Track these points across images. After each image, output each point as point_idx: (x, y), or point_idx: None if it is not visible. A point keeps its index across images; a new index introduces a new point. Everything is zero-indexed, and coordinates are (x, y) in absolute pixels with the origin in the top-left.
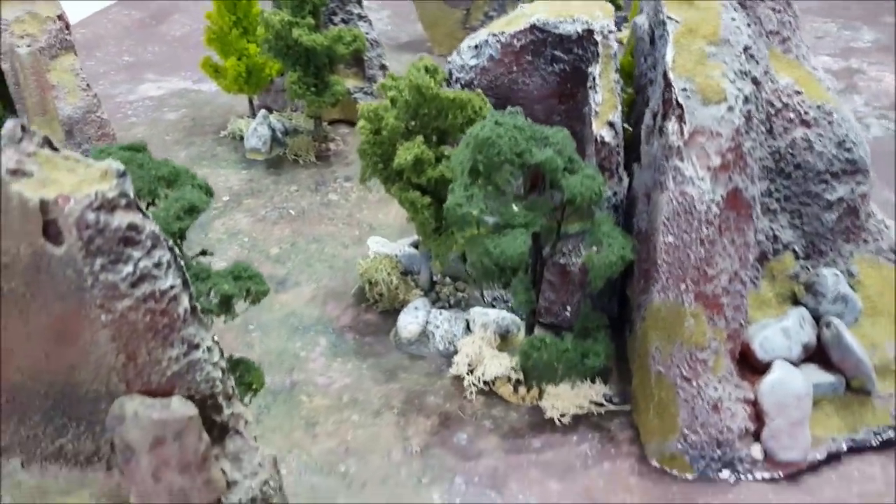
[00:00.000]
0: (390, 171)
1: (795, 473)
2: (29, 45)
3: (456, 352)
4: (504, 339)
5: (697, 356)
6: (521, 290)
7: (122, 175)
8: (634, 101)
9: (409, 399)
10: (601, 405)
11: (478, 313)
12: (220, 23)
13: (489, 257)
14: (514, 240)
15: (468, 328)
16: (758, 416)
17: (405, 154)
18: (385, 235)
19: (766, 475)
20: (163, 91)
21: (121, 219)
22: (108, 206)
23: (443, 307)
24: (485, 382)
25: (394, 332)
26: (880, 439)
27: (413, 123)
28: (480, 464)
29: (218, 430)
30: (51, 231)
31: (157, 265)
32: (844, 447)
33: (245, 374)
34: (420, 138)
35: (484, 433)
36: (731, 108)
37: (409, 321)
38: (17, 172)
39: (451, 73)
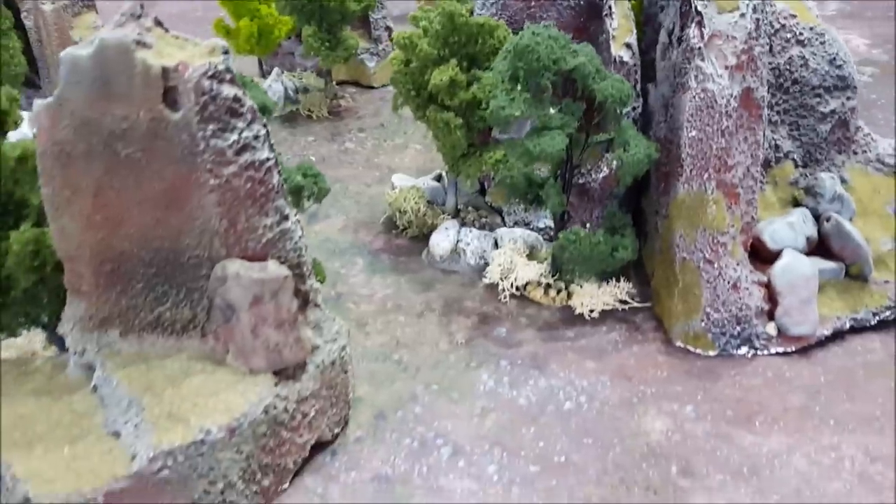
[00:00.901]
0: (422, 98)
1: (806, 348)
2: (53, 2)
3: (487, 265)
4: (531, 254)
5: (719, 240)
6: (554, 193)
7: (226, 52)
8: (644, 31)
9: (447, 303)
10: (626, 302)
11: (505, 231)
12: None
13: (529, 156)
14: (552, 139)
15: (496, 245)
16: (771, 298)
17: (440, 75)
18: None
19: (780, 350)
20: None
21: (228, 90)
22: (219, 76)
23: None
24: (517, 288)
25: (426, 251)
26: (878, 318)
27: (444, 50)
28: (521, 350)
29: (302, 299)
30: (169, 98)
31: (256, 137)
32: (847, 325)
33: None
34: (453, 62)
35: (521, 327)
36: (743, 15)
37: (441, 239)
38: (139, 43)
39: (472, 12)
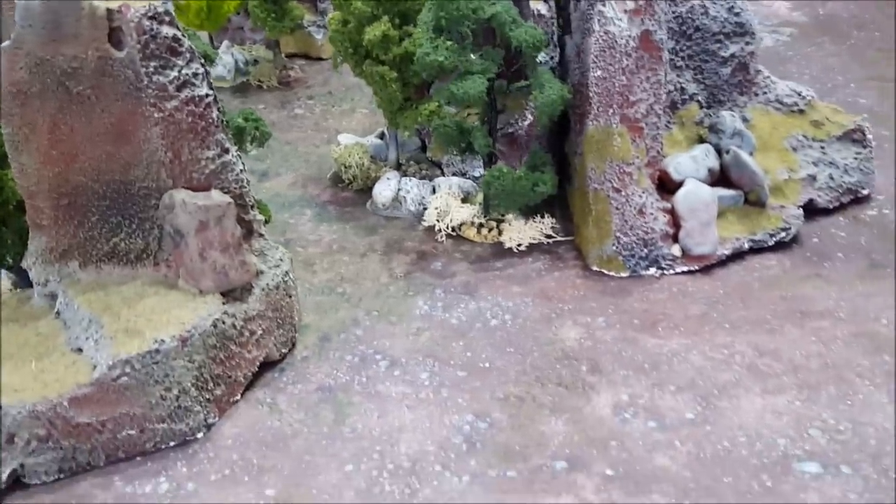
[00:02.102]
0: (359, 55)
1: (707, 266)
2: None
3: (425, 210)
4: (465, 199)
5: (625, 170)
6: (480, 136)
7: None
8: None
9: (389, 244)
10: (550, 236)
11: (442, 180)
12: None
13: (454, 98)
14: (473, 82)
15: (434, 192)
16: (675, 222)
17: (373, 31)
18: None
19: (684, 268)
20: None
21: (167, 30)
22: (158, 17)
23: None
24: (452, 228)
25: (370, 201)
26: (775, 239)
27: (378, 8)
28: (455, 280)
29: (245, 229)
30: (114, 38)
31: (195, 75)
32: (746, 246)
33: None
34: (385, 18)
35: (455, 261)
36: None
37: (383, 189)
38: None
39: None
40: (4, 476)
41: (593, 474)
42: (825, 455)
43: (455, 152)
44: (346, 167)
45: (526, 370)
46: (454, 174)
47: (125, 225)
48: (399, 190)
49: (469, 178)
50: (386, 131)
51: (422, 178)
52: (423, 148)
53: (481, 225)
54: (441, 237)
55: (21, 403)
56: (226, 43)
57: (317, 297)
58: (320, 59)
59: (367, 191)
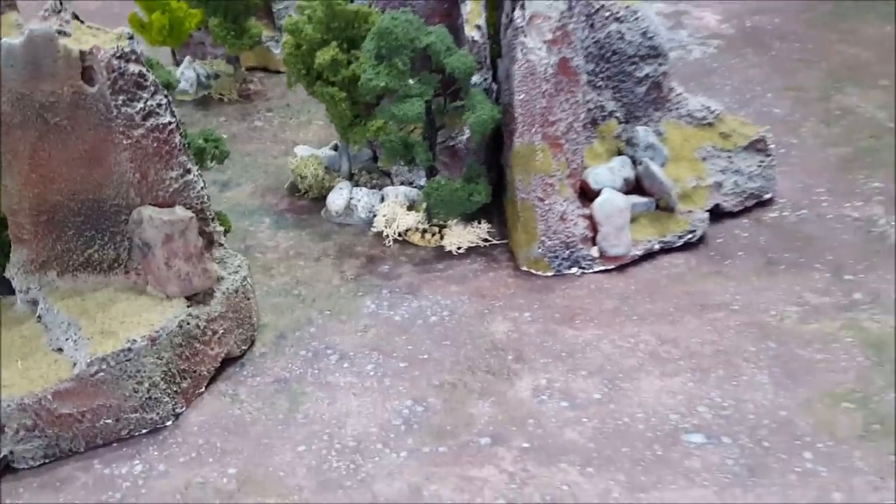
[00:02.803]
0: (311, 76)
1: (622, 266)
2: None
3: (375, 217)
4: (411, 207)
5: (547, 181)
6: (421, 150)
7: (131, 37)
8: (496, 14)
9: (341, 249)
10: (487, 240)
11: (390, 189)
12: None
13: (394, 118)
14: (411, 105)
15: (383, 201)
16: (593, 227)
17: (323, 55)
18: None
19: (602, 268)
20: None
21: (134, 67)
22: (126, 56)
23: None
24: (399, 234)
25: (324, 209)
26: (683, 240)
27: (327, 34)
28: (400, 281)
29: (207, 240)
30: (86, 75)
31: (159, 105)
32: (657, 246)
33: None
34: (334, 44)
35: (401, 264)
36: None
37: (336, 198)
38: (60, 33)
39: (350, 0)
40: None
41: (512, 448)
42: (709, 428)
43: (401, 163)
44: (302, 177)
45: (459, 360)
46: (402, 183)
47: (98, 238)
48: (351, 199)
49: (415, 187)
50: (339, 143)
51: (372, 187)
52: (375, 158)
53: (425, 230)
54: (388, 242)
55: (10, 397)
56: (188, 58)
57: (274, 299)
58: (278, 72)
59: (321, 199)
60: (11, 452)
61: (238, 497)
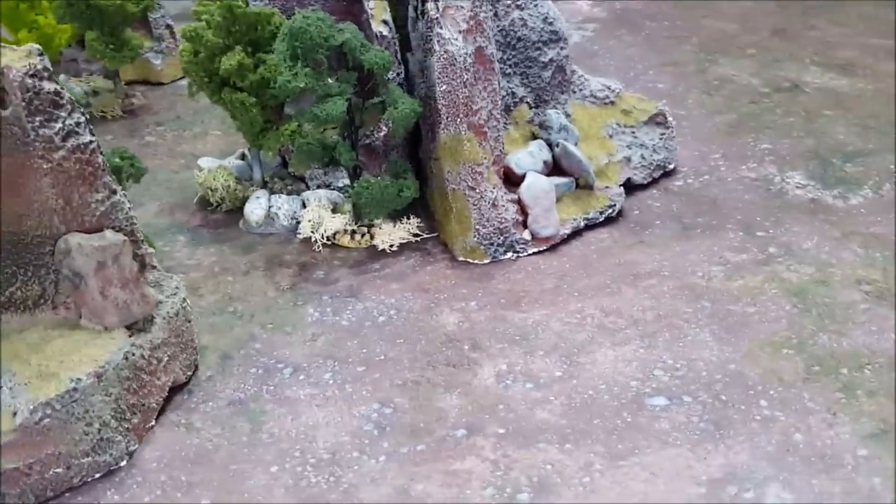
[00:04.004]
0: (214, 83)
1: (553, 245)
2: None
3: (298, 223)
4: (335, 210)
5: (476, 169)
6: (345, 150)
7: (41, 54)
8: (397, 9)
9: (269, 260)
10: (418, 235)
11: (310, 194)
12: None
13: (317, 119)
14: (334, 104)
15: (303, 206)
16: (522, 211)
17: (228, 61)
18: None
19: (535, 250)
20: None
21: (48, 85)
22: (39, 74)
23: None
24: (327, 238)
25: (242, 220)
26: (604, 216)
27: (229, 39)
28: (338, 285)
29: (139, 263)
30: None
31: (78, 124)
32: (582, 224)
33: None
34: (238, 48)
35: (335, 268)
36: None
37: (255, 207)
38: None
39: (248, 2)
40: None
41: (489, 435)
42: (669, 390)
43: (318, 166)
44: (212, 190)
45: (417, 357)
46: (318, 186)
47: (20, 273)
48: (270, 207)
49: (333, 189)
50: (247, 152)
51: (288, 193)
52: (285, 164)
53: (354, 231)
54: (318, 247)
55: None
56: (62, 76)
57: (209, 319)
58: (161, 83)
59: (236, 211)
60: None
61: None
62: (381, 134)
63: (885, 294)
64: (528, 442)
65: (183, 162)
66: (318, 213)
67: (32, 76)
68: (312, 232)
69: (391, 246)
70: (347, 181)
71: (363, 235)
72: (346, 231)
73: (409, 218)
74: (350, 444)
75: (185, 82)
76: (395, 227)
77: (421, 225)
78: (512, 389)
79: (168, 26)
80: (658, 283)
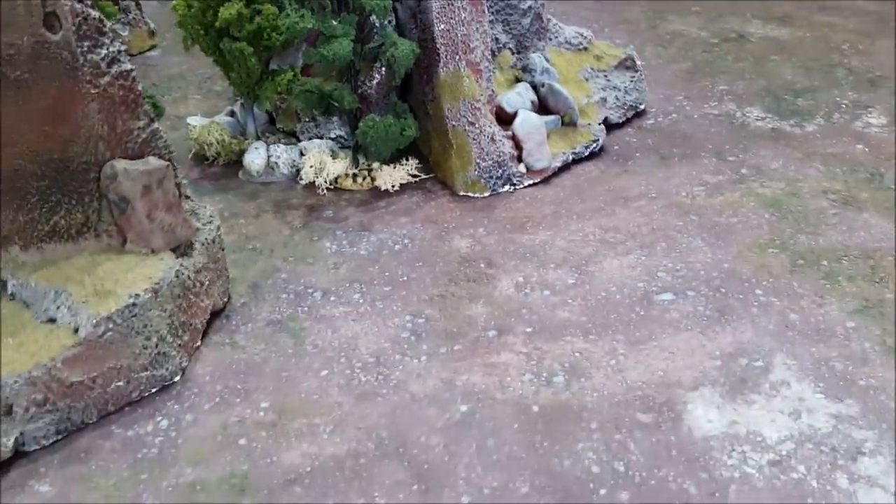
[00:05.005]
0: (210, 36)
1: (546, 178)
2: None
3: (298, 171)
4: (334, 156)
5: (475, 105)
6: (346, 94)
7: None
8: None
9: (276, 204)
10: (416, 175)
11: (307, 142)
12: None
13: (325, 60)
14: (340, 44)
15: (301, 155)
16: (517, 145)
17: (228, 10)
18: None
19: (530, 182)
20: None
21: (93, 12)
22: (85, 1)
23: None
24: (330, 182)
25: (242, 171)
26: (589, 150)
27: None
28: (349, 222)
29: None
30: (48, 22)
31: (119, 52)
32: (570, 158)
33: None
34: None
35: (343, 208)
36: None
37: (254, 158)
38: None
39: None
40: (10, 444)
41: (518, 334)
42: (673, 287)
43: (311, 116)
44: (207, 145)
45: (438, 276)
46: (310, 139)
47: (65, 202)
48: (270, 156)
49: (326, 140)
50: (240, 108)
51: (286, 144)
52: (272, 121)
53: (355, 175)
54: (322, 191)
55: (15, 374)
56: None
57: (230, 256)
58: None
59: (232, 164)
60: (22, 434)
61: (282, 424)
62: (374, 82)
63: (850, 200)
64: (554, 337)
65: (169, 124)
66: (320, 159)
67: (80, 1)
68: (315, 176)
69: (392, 186)
70: (339, 132)
71: (364, 178)
72: (347, 175)
73: (408, 159)
74: (391, 349)
75: (153, 53)
76: (394, 168)
77: (419, 166)
78: (531, 297)
79: None
80: (647, 203)
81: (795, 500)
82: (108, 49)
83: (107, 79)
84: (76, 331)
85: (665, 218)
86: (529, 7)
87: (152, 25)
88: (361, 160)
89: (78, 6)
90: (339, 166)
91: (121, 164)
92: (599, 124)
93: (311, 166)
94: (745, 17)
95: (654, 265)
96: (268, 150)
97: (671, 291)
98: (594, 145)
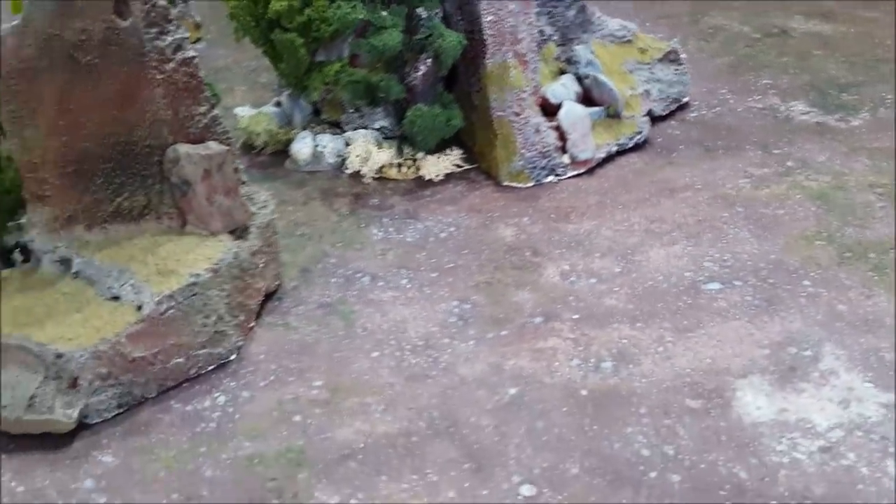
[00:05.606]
0: (261, 27)
1: (590, 168)
2: None
3: (344, 161)
4: (379, 146)
5: (521, 96)
6: (394, 84)
7: None
8: None
9: (323, 192)
10: (460, 165)
11: (353, 133)
12: None
13: (375, 50)
14: (390, 35)
15: (347, 146)
16: (561, 136)
17: (278, 2)
18: None
19: (575, 172)
20: None
21: (161, 0)
22: None
23: None
24: (375, 171)
25: (289, 160)
26: (633, 141)
27: None
28: (395, 210)
29: None
30: (117, 9)
31: (184, 39)
32: (614, 149)
33: None
34: None
35: (388, 196)
36: None
37: (302, 147)
38: None
39: None
40: (75, 416)
41: (565, 320)
42: (721, 277)
43: (356, 107)
44: (255, 134)
45: (483, 263)
46: (355, 129)
47: (129, 184)
48: (316, 146)
49: (371, 130)
50: (286, 99)
51: (332, 134)
52: (316, 113)
53: (400, 164)
54: (367, 180)
55: (81, 348)
56: None
57: (281, 241)
58: None
59: (279, 154)
60: (86, 406)
61: (336, 402)
62: (419, 74)
63: None
64: (601, 323)
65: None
66: (366, 148)
67: None
68: (361, 165)
69: (437, 175)
70: (384, 122)
71: (409, 168)
72: (392, 164)
73: (452, 149)
74: (439, 332)
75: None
76: (438, 158)
77: (463, 156)
78: (577, 284)
79: None
80: (693, 194)
81: (846, 485)
82: (173, 36)
83: (172, 65)
84: (139, 308)
85: (711, 209)
86: (575, 0)
87: (198, 18)
88: (406, 150)
89: None
90: (384, 156)
91: (183, 148)
92: (643, 116)
93: (358, 155)
94: (788, 13)
95: (700, 255)
96: (314, 139)
97: (718, 281)
98: (638, 137)
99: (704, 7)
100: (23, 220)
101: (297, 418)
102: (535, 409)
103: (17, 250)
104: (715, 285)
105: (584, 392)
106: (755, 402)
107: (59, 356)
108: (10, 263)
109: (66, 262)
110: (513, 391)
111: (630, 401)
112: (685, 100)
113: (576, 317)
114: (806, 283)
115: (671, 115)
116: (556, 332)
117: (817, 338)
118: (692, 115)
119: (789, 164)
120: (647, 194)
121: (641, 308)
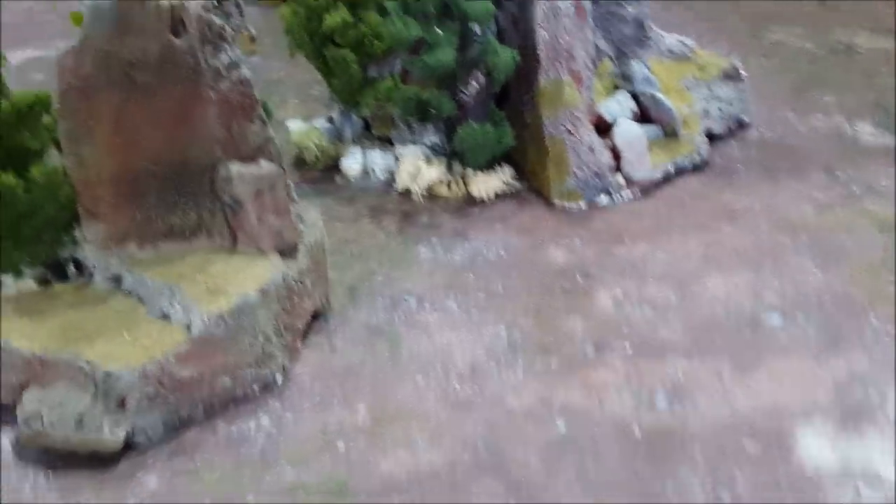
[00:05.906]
0: (314, 42)
1: (646, 189)
2: None
3: (394, 178)
4: (429, 163)
5: (575, 114)
6: (445, 100)
7: None
8: None
9: (373, 209)
10: (510, 184)
11: (403, 149)
12: None
13: (428, 68)
14: (443, 52)
15: (396, 162)
16: (616, 156)
17: (333, 19)
18: None
19: (628, 193)
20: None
21: (217, 20)
22: (211, 9)
23: None
24: (424, 189)
25: (339, 176)
26: (691, 163)
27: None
28: (444, 228)
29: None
30: (173, 28)
31: (239, 58)
32: (672, 169)
33: None
34: (342, 6)
35: (438, 214)
36: None
37: (352, 163)
38: None
39: None
40: (121, 436)
41: (616, 351)
42: (782, 308)
43: (406, 124)
44: (306, 149)
45: (532, 286)
46: (405, 145)
47: (181, 202)
48: (366, 162)
49: (421, 146)
50: (337, 114)
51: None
52: (367, 128)
53: (450, 182)
54: (417, 197)
55: (129, 367)
56: None
57: (329, 258)
58: None
59: (329, 169)
60: (133, 426)
61: (380, 430)
62: (472, 90)
63: None
64: (656, 356)
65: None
66: (416, 165)
67: (206, 10)
68: (411, 182)
69: (487, 194)
70: (434, 139)
71: (458, 185)
72: (441, 182)
73: (501, 167)
74: (486, 359)
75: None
76: (488, 176)
77: (514, 174)
78: (631, 313)
79: (237, 4)
80: (753, 219)
81: None
82: (228, 55)
83: (226, 84)
84: (188, 328)
85: (772, 236)
86: (632, 15)
87: (253, 31)
88: (456, 167)
89: (204, 13)
90: (433, 173)
91: (236, 168)
92: (702, 136)
93: (408, 172)
94: (852, 29)
95: (760, 285)
96: (364, 155)
97: (779, 313)
98: (697, 157)
99: (765, 22)
100: (77, 235)
101: (341, 445)
102: (584, 446)
103: (72, 264)
104: (776, 318)
105: (636, 429)
106: (817, 446)
107: (108, 375)
108: (64, 277)
109: (117, 279)
110: (562, 426)
111: (684, 441)
112: (746, 119)
113: (628, 347)
114: (872, 318)
115: (731, 134)
116: (607, 364)
117: (885, 378)
118: (753, 135)
119: (854, 188)
120: (705, 218)
121: (698, 341)
